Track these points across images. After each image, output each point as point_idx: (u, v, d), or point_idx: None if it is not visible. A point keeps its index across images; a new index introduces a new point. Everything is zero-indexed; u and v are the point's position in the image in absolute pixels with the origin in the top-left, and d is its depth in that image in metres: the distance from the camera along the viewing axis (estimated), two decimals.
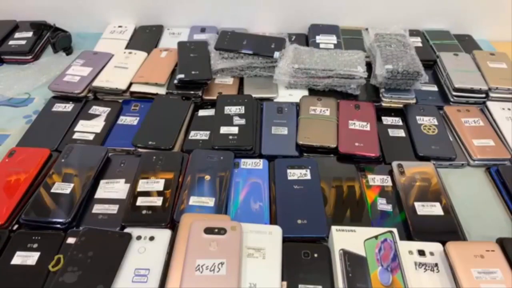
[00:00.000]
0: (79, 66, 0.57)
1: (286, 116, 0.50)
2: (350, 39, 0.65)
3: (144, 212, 0.38)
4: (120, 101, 0.54)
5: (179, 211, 0.38)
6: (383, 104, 0.53)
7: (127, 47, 0.64)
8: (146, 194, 0.40)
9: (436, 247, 0.36)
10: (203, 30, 0.68)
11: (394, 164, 0.44)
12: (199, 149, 0.45)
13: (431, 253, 0.35)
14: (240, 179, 0.42)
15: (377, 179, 0.43)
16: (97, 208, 0.39)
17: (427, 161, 0.45)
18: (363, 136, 0.47)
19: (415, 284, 0.33)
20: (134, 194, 0.40)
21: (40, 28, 0.65)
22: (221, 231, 0.34)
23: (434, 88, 0.57)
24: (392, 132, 0.50)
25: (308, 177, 0.42)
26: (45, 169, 0.43)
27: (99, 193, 0.41)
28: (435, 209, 0.40)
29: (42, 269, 0.34)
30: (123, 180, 0.42)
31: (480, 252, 0.34)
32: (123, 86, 0.54)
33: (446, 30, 0.67)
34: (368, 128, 0.48)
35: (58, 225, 0.37)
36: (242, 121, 0.48)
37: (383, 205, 0.41)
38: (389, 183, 0.43)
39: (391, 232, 0.35)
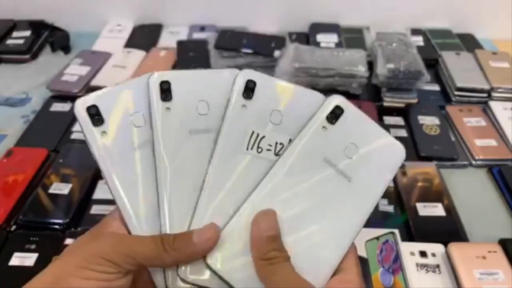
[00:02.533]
0: (77, 66, 0.57)
1: None
2: (351, 38, 0.65)
3: None
4: None
5: None
6: (385, 104, 0.53)
7: (125, 46, 0.63)
8: None
9: (438, 248, 0.35)
10: (202, 28, 0.67)
11: None
12: None
13: (433, 254, 0.35)
14: None
15: None
16: (95, 209, 0.39)
17: (429, 161, 0.45)
18: None
19: (416, 285, 0.33)
20: None
21: (38, 27, 0.64)
22: None
23: (436, 87, 0.56)
24: (394, 132, 0.49)
25: None
26: (43, 169, 0.43)
27: (98, 194, 0.41)
28: (437, 209, 0.39)
29: (40, 270, 0.33)
30: None
31: (482, 253, 0.34)
32: None
33: (448, 29, 0.67)
34: None
35: (56, 226, 0.37)
36: None
37: (384, 205, 0.41)
38: (391, 184, 0.42)
39: (392, 233, 0.34)
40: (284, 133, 0.19)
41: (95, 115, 0.19)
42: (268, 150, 0.19)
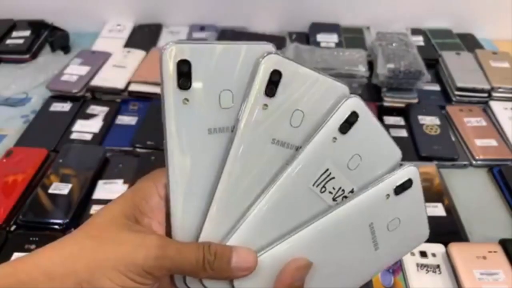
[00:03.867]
0: (77, 65, 0.57)
1: None
2: (352, 37, 0.65)
3: None
4: (119, 100, 0.54)
5: None
6: (385, 104, 0.53)
7: (125, 46, 0.63)
8: None
9: (438, 248, 0.35)
10: (202, 28, 0.67)
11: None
12: None
13: (433, 255, 0.35)
14: None
15: None
16: (95, 209, 0.39)
17: (429, 161, 0.45)
18: None
19: (417, 286, 0.33)
20: None
21: (38, 27, 0.64)
22: None
23: (436, 87, 0.56)
24: (394, 132, 0.49)
25: None
26: (43, 169, 0.43)
27: (97, 194, 0.41)
28: (437, 210, 0.39)
29: None
30: (121, 181, 0.42)
31: (483, 253, 0.34)
32: (121, 85, 0.53)
33: (448, 29, 0.67)
34: None
35: (56, 226, 0.37)
36: None
37: None
38: None
39: None
40: (351, 180, 0.18)
41: (184, 75, 0.16)
42: (330, 192, 0.18)
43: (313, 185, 0.17)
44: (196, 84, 0.16)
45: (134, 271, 0.15)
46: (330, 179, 0.17)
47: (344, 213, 0.17)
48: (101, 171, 0.43)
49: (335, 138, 0.17)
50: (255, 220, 0.17)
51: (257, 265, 0.16)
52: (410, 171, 0.19)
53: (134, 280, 0.15)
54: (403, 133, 0.49)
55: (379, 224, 0.18)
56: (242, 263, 0.16)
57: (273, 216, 0.17)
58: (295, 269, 0.17)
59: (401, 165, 0.19)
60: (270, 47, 0.17)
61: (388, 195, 0.18)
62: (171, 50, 0.15)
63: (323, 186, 0.17)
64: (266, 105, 0.17)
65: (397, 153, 0.19)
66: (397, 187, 0.18)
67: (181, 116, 0.16)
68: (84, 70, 0.56)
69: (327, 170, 0.17)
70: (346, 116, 0.17)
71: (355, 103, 0.17)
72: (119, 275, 0.15)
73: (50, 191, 0.40)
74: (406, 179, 0.18)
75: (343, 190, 0.18)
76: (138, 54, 0.59)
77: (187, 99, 0.16)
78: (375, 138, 0.18)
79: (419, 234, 0.20)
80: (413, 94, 0.53)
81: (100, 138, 0.48)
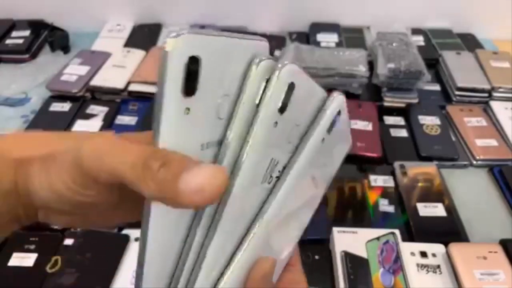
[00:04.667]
0: (76, 65, 0.57)
1: None
2: (352, 37, 0.64)
3: None
4: (118, 100, 0.54)
5: None
6: (385, 104, 0.53)
7: (125, 46, 0.63)
8: None
9: (438, 248, 0.35)
10: (202, 28, 0.67)
11: (396, 164, 0.44)
12: None
13: (434, 255, 0.35)
14: None
15: (379, 180, 0.43)
16: None
17: (429, 161, 0.45)
18: (364, 136, 0.46)
19: (417, 286, 0.33)
20: None
21: (38, 27, 0.64)
22: None
23: (437, 87, 0.56)
24: (394, 132, 0.49)
25: None
26: None
27: None
28: (437, 210, 0.39)
29: (39, 270, 0.33)
30: None
31: (483, 253, 0.34)
32: (121, 85, 0.53)
33: (448, 29, 0.66)
34: (370, 128, 0.48)
35: (56, 226, 0.37)
36: None
37: (385, 206, 0.40)
38: (391, 184, 0.42)
39: (393, 233, 0.34)
40: (291, 151, 0.16)
41: (191, 75, 0.12)
42: (277, 177, 0.15)
43: (262, 182, 0.15)
44: (202, 89, 0.12)
45: (71, 171, 0.12)
46: (275, 165, 0.15)
47: (289, 183, 0.15)
48: None
49: (276, 122, 0.14)
50: (216, 244, 0.14)
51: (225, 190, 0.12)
52: (338, 101, 0.16)
53: (65, 184, 0.12)
54: (403, 133, 0.49)
55: (318, 169, 0.17)
56: (197, 181, 0.11)
57: (232, 229, 0.15)
58: (261, 278, 0.15)
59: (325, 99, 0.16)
60: (266, 46, 0.15)
61: (323, 139, 0.16)
62: (178, 43, 0.11)
63: (270, 176, 0.15)
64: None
65: (320, 92, 0.16)
66: (330, 126, 0.16)
67: (178, 129, 0.12)
68: (83, 70, 0.56)
69: (272, 159, 0.15)
70: (284, 92, 0.14)
71: (290, 72, 0.14)
72: (48, 174, 0.12)
73: None
74: (336, 113, 0.16)
75: (284, 166, 0.16)
76: (138, 54, 0.59)
77: (188, 109, 0.12)
78: (309, 97, 0.16)
79: (345, 149, 0.19)
80: (413, 94, 0.53)
81: None
